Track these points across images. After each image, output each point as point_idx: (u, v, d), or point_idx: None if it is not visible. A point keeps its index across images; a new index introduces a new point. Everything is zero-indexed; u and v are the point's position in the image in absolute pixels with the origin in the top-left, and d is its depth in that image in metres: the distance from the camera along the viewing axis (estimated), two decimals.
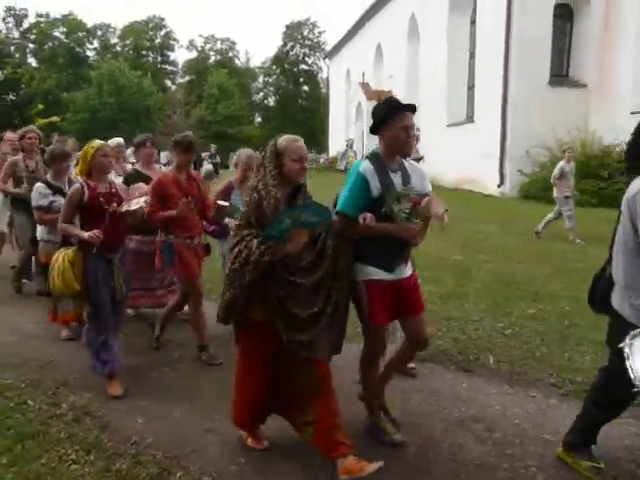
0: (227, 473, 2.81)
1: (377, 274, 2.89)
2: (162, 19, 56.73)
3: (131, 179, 4.78)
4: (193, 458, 2.92)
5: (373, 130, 2.98)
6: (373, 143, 3.18)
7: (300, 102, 55.01)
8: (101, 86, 41.18)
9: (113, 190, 3.78)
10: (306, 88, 56.10)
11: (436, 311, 5.34)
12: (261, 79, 58.35)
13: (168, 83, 57.43)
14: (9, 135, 7.40)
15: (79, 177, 3.88)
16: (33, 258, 6.00)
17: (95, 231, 3.51)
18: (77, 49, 54.72)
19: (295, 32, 55.77)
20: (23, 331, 4.86)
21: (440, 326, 4.96)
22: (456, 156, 17.26)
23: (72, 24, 53.70)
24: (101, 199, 3.65)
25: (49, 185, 4.77)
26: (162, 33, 57.15)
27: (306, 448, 2.90)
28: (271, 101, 57.72)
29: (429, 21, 19.81)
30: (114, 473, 2.76)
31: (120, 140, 6.24)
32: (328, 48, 42.37)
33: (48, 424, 3.25)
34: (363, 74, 25.72)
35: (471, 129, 17.48)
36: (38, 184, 4.79)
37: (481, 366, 4.19)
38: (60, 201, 4.37)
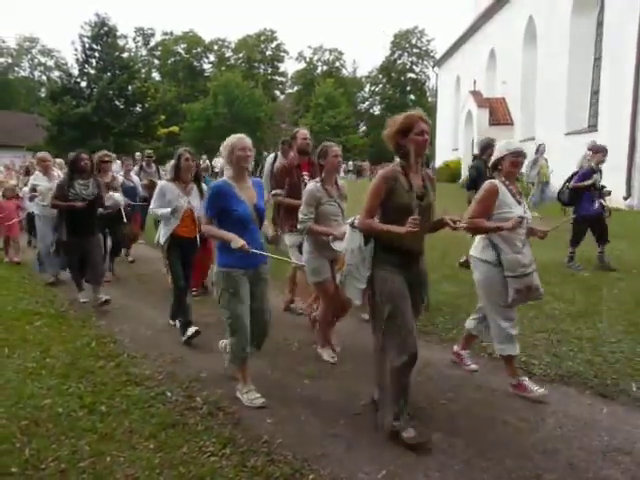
0: None
1: None
2: (273, 32, 59.20)
3: None
4: (323, 462, 2.93)
5: None
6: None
7: (406, 111, 54.55)
8: (216, 97, 43.52)
9: None
10: (412, 97, 55.66)
11: (566, 330, 5.00)
12: (367, 88, 58.77)
13: (277, 93, 59.63)
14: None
15: None
16: None
17: None
18: (195, 63, 58.63)
19: (403, 41, 55.64)
20: (157, 326, 5.19)
21: (572, 346, 4.63)
22: (575, 167, 16.10)
23: (192, 40, 57.69)
24: None
25: None
26: (273, 45, 59.57)
27: (430, 461, 2.80)
28: (377, 110, 57.91)
29: (549, 23, 18.80)
30: (250, 469, 2.84)
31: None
32: (437, 56, 41.68)
33: (185, 415, 3.43)
34: (475, 81, 24.95)
35: (594, 137, 16.26)
36: None
37: (622, 393, 3.83)
38: None
